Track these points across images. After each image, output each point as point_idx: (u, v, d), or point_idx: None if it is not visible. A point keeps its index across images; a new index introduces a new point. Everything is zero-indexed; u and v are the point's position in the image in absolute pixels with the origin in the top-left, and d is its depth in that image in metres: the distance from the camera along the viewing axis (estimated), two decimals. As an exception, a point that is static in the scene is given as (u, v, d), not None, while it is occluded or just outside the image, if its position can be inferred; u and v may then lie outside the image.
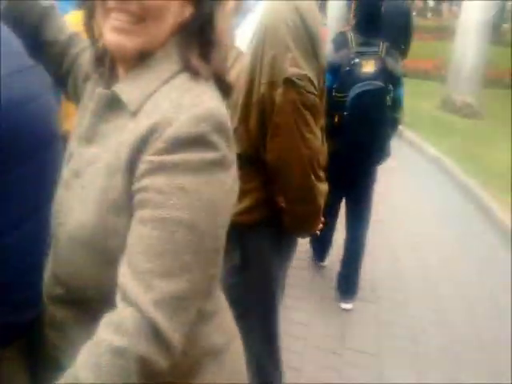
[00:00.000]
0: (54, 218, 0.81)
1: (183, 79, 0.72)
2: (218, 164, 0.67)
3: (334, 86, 2.52)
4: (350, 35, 2.61)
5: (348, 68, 2.49)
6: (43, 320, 0.84)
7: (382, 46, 2.57)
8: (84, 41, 0.98)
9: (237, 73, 1.40)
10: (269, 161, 1.44)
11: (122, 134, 0.71)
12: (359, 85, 2.44)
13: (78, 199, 0.74)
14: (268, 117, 1.39)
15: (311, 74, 1.38)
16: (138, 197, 0.66)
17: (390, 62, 2.55)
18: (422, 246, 3.78)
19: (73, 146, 0.83)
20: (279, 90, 1.35)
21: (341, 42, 2.64)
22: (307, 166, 1.43)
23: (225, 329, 0.86)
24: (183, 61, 0.73)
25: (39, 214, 1.20)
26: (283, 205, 1.49)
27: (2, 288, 1.09)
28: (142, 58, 0.74)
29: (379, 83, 2.46)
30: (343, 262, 3.00)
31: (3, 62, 1.12)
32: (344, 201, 2.98)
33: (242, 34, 1.45)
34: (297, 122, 1.38)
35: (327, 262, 3.39)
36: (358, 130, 2.47)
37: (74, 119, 2.50)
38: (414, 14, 8.54)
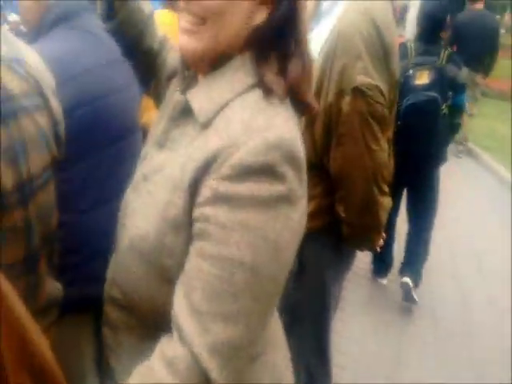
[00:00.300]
0: (120, 216, 0.82)
1: (257, 96, 0.67)
2: (285, 199, 0.62)
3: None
4: (410, 46, 2.71)
5: (402, 80, 2.55)
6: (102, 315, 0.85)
7: (444, 54, 2.62)
8: (171, 40, 0.98)
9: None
10: (332, 170, 1.43)
11: (191, 145, 0.68)
12: (411, 96, 2.54)
13: (142, 204, 0.73)
14: (334, 125, 1.38)
15: (382, 85, 1.35)
16: (199, 226, 0.62)
17: (452, 70, 2.61)
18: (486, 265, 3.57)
19: (148, 146, 0.83)
20: (347, 99, 1.34)
21: (401, 53, 2.71)
22: (371, 178, 1.40)
23: (273, 368, 0.79)
24: (257, 75, 0.68)
25: (113, 202, 1.27)
26: (343, 215, 1.47)
27: (80, 260, 1.15)
28: (216, 65, 0.71)
29: (432, 94, 2.54)
30: (404, 264, 3.00)
31: (91, 54, 1.22)
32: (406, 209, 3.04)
33: (315, 39, 1.45)
34: (363, 132, 1.36)
35: (387, 279, 3.29)
36: (410, 139, 2.53)
37: (153, 113, 2.61)
38: (502, 31, 8.12)
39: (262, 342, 0.74)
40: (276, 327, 0.83)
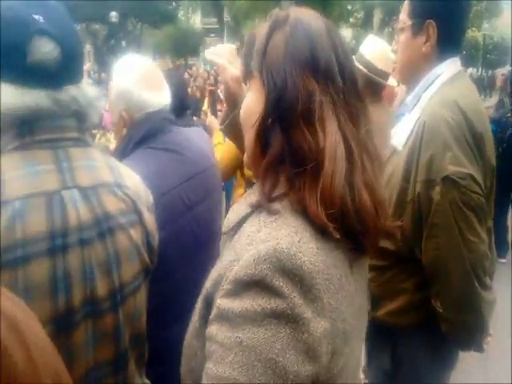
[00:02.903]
0: None
1: (274, 208, 0.66)
2: (284, 316, 0.58)
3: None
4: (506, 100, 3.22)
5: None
6: None
7: None
8: None
9: (391, 170, 1.39)
10: (425, 262, 1.35)
11: (221, 259, 0.70)
12: None
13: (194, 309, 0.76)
14: (424, 216, 1.33)
15: (476, 174, 1.29)
16: (207, 345, 0.62)
17: None
18: None
19: None
20: (437, 189, 1.29)
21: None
22: (470, 271, 1.30)
23: None
24: (261, 193, 0.68)
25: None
26: (441, 311, 1.36)
27: (166, 364, 1.21)
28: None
29: None
30: None
31: (174, 173, 1.34)
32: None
33: (399, 132, 1.44)
34: (458, 223, 1.28)
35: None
36: None
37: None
38: None
39: None
40: None
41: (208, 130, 2.75)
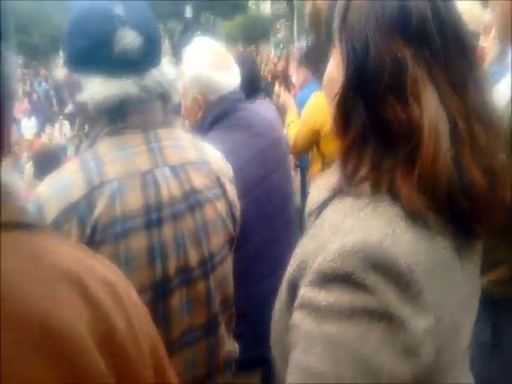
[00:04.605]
0: None
1: (360, 194, 0.59)
2: (376, 314, 0.53)
3: None
4: None
5: None
6: None
7: None
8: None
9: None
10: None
11: (304, 239, 0.67)
12: None
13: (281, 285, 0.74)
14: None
15: None
16: (292, 334, 0.60)
17: None
18: None
19: None
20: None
21: None
22: None
23: None
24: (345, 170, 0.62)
25: (280, 267, 1.39)
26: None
27: (250, 327, 1.28)
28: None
29: None
30: None
31: (248, 148, 1.39)
32: None
33: (503, 89, 1.32)
34: None
35: None
36: None
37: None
38: None
39: None
40: None
41: (281, 110, 2.77)
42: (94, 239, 0.84)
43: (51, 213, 0.84)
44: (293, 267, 0.64)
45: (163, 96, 0.96)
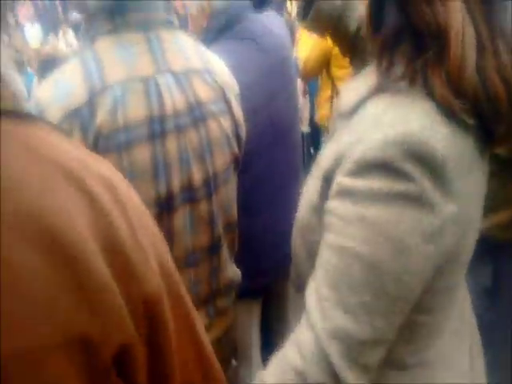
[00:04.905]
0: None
1: (397, 91, 0.62)
2: (411, 199, 0.58)
3: None
4: None
5: None
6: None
7: None
8: None
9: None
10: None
11: (337, 138, 0.69)
12: None
13: (307, 189, 0.78)
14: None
15: None
16: (326, 219, 0.64)
17: None
18: None
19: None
20: None
21: None
22: None
23: None
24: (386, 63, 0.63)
25: (285, 192, 1.37)
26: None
27: (251, 255, 1.28)
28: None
29: None
30: None
31: (255, 63, 1.30)
32: None
33: None
34: None
35: None
36: None
37: (324, 111, 2.60)
38: None
39: (417, 355, 0.71)
40: (453, 346, 0.76)
41: (291, 28, 2.61)
42: (97, 147, 0.79)
43: (52, 119, 0.78)
44: (326, 161, 0.67)
45: None
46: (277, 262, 1.28)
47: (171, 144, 0.85)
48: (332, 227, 0.62)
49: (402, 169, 0.57)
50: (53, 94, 0.81)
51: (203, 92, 0.90)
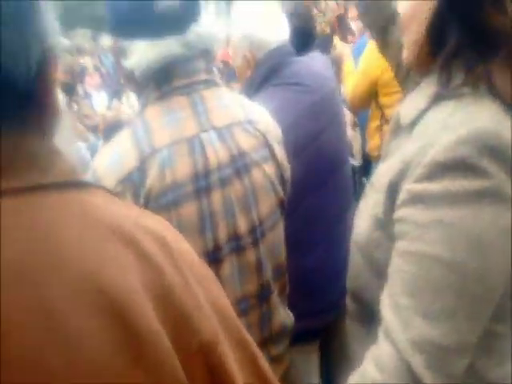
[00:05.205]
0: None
1: (461, 95, 0.65)
2: (488, 195, 0.58)
3: None
4: None
5: None
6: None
7: None
8: None
9: None
10: None
11: (398, 152, 0.70)
12: None
13: (363, 206, 0.79)
14: None
15: None
16: (397, 227, 0.64)
17: None
18: None
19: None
20: None
21: None
22: None
23: None
24: (444, 71, 0.66)
25: (336, 230, 1.34)
26: None
27: (305, 297, 1.26)
28: (426, 72, 0.71)
29: None
30: None
31: (297, 104, 1.32)
32: None
33: None
34: None
35: None
36: None
37: (376, 141, 2.55)
38: None
39: (505, 368, 0.68)
40: None
41: (337, 62, 2.61)
42: (147, 208, 0.83)
43: (108, 185, 0.83)
44: (390, 173, 0.67)
45: (206, 52, 0.92)
46: (332, 302, 1.26)
47: (216, 197, 0.88)
48: (406, 235, 0.62)
49: (479, 165, 0.57)
50: (107, 162, 0.87)
51: (245, 142, 0.93)
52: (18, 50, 0.42)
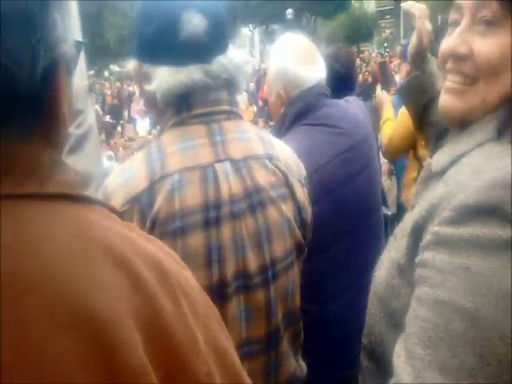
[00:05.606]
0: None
1: (495, 144, 0.63)
2: None
3: None
4: None
5: None
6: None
7: None
8: None
9: None
10: None
11: (426, 197, 0.68)
12: None
13: (387, 257, 0.75)
14: None
15: None
16: (419, 271, 0.60)
17: None
18: None
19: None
20: None
21: None
22: None
23: None
24: (501, 126, 0.64)
25: (353, 290, 1.28)
26: None
27: (323, 346, 1.19)
28: (464, 124, 0.69)
29: None
30: None
31: (328, 148, 1.29)
32: None
33: None
34: None
35: None
36: None
37: (412, 190, 2.46)
38: None
39: None
40: None
41: (375, 109, 2.59)
42: (153, 233, 0.81)
43: (115, 204, 0.82)
44: (417, 216, 0.64)
45: (230, 83, 0.90)
46: (351, 354, 1.18)
47: (226, 230, 0.85)
48: (427, 280, 0.58)
49: (510, 213, 0.54)
50: (118, 181, 0.87)
51: (263, 178, 0.90)
52: (23, 53, 0.41)
